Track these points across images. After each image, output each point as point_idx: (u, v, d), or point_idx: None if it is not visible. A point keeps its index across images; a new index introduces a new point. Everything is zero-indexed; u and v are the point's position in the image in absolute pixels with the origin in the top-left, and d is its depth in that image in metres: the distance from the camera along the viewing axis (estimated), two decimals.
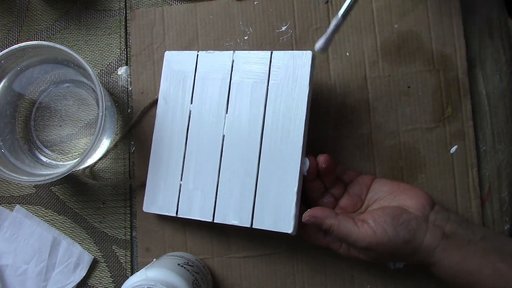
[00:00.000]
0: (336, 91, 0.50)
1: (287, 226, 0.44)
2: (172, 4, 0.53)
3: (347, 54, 0.50)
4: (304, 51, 0.45)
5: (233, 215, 0.45)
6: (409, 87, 0.50)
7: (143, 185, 0.50)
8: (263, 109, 0.46)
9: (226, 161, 0.46)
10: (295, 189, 0.44)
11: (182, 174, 0.48)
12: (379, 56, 0.50)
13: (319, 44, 0.42)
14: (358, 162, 0.49)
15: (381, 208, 0.44)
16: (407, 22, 0.50)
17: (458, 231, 0.42)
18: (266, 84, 0.46)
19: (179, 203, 0.48)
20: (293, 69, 0.45)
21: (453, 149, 0.49)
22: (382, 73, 0.50)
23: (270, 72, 0.46)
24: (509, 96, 0.50)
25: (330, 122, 0.50)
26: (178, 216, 0.47)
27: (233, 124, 0.47)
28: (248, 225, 0.45)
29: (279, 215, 0.44)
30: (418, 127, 0.49)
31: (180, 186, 0.48)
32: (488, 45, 0.50)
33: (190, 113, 0.48)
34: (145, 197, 0.49)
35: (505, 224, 0.48)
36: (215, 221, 0.46)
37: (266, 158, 0.45)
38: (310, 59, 0.45)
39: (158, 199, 0.48)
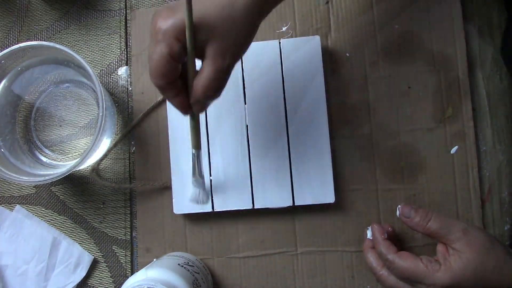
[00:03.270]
0: (336, 91, 0.50)
1: (328, 197, 0.47)
2: None
3: (347, 54, 0.50)
4: (311, 36, 0.49)
5: (272, 197, 0.48)
6: (409, 87, 0.50)
7: (166, 188, 0.50)
8: (282, 94, 0.48)
9: (255, 149, 0.48)
10: (329, 161, 0.47)
11: (210, 170, 0.48)
12: (380, 56, 0.50)
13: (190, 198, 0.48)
14: (358, 162, 0.49)
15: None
16: (407, 22, 0.50)
17: None
18: (280, 70, 0.48)
19: (213, 198, 0.48)
20: (303, 53, 0.48)
21: (453, 150, 0.49)
22: (382, 73, 0.50)
23: (282, 59, 0.48)
24: (509, 97, 0.50)
25: (331, 123, 0.50)
26: (215, 211, 0.48)
27: (254, 113, 0.48)
28: (290, 204, 0.47)
29: (318, 188, 0.47)
30: (419, 127, 0.49)
31: (211, 181, 0.48)
32: (488, 45, 0.50)
33: (206, 110, 0.49)
34: (173, 200, 0.49)
35: (505, 224, 0.48)
36: (255, 207, 0.48)
37: (295, 138, 0.48)
38: (319, 43, 0.48)
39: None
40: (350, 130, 0.50)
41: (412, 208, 0.44)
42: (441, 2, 0.50)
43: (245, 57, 0.49)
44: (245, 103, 0.49)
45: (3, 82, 0.49)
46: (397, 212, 0.46)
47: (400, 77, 0.50)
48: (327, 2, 0.51)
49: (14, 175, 0.46)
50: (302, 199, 0.47)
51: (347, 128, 0.50)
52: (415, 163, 0.49)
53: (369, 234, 0.47)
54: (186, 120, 0.49)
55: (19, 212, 0.52)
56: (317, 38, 0.48)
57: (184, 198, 0.48)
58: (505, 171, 0.49)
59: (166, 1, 0.53)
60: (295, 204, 0.47)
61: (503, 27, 0.50)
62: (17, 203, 0.52)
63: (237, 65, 0.49)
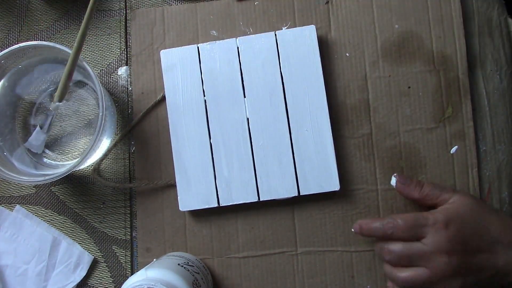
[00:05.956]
0: (336, 91, 0.50)
1: (333, 185, 0.48)
2: (172, 4, 0.53)
3: (347, 54, 0.50)
4: (307, 26, 0.49)
5: (277, 189, 0.48)
6: (409, 87, 0.50)
7: (168, 187, 0.50)
8: (281, 85, 0.48)
9: (257, 141, 0.48)
10: (332, 148, 0.48)
11: (213, 165, 0.49)
12: (380, 56, 0.50)
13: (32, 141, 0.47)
14: (358, 162, 0.49)
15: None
16: (407, 22, 0.50)
17: None
18: (277, 62, 0.49)
19: (218, 193, 0.48)
20: (300, 44, 0.48)
21: (453, 150, 0.49)
22: (382, 73, 0.50)
23: (279, 50, 0.49)
24: (509, 96, 0.50)
25: (330, 123, 0.50)
26: (220, 205, 0.48)
27: (254, 106, 0.49)
28: (296, 194, 0.48)
29: (322, 176, 0.48)
30: (419, 127, 0.49)
31: (215, 176, 0.48)
32: (488, 45, 0.50)
33: (206, 105, 0.49)
34: (178, 197, 0.49)
35: None
36: (261, 199, 0.48)
37: (296, 128, 0.48)
38: (315, 32, 0.49)
39: (194, 195, 0.49)
40: (350, 130, 0.50)
41: (407, 176, 0.47)
42: (441, 2, 0.50)
43: (242, 50, 0.49)
44: (244, 96, 0.49)
45: (3, 82, 0.49)
46: (393, 181, 0.47)
47: (400, 77, 0.50)
48: (327, 2, 0.51)
49: (14, 175, 0.46)
50: (307, 189, 0.48)
51: (347, 128, 0.50)
52: (415, 163, 0.49)
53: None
54: (186, 118, 0.49)
55: (19, 212, 0.52)
56: (312, 28, 0.49)
57: (190, 195, 0.48)
58: (505, 171, 0.49)
59: (166, 1, 0.53)
60: (301, 194, 0.48)
61: (503, 27, 0.50)
62: (17, 203, 0.52)
63: (235, 59, 0.49)
